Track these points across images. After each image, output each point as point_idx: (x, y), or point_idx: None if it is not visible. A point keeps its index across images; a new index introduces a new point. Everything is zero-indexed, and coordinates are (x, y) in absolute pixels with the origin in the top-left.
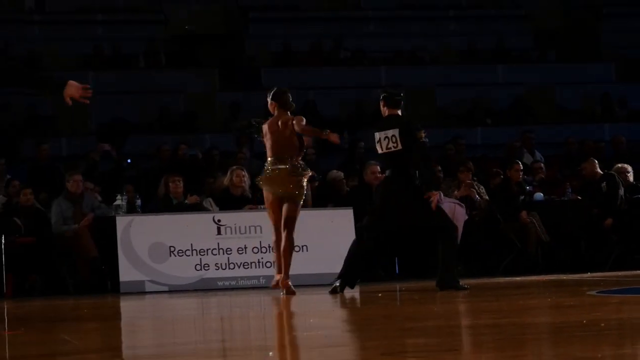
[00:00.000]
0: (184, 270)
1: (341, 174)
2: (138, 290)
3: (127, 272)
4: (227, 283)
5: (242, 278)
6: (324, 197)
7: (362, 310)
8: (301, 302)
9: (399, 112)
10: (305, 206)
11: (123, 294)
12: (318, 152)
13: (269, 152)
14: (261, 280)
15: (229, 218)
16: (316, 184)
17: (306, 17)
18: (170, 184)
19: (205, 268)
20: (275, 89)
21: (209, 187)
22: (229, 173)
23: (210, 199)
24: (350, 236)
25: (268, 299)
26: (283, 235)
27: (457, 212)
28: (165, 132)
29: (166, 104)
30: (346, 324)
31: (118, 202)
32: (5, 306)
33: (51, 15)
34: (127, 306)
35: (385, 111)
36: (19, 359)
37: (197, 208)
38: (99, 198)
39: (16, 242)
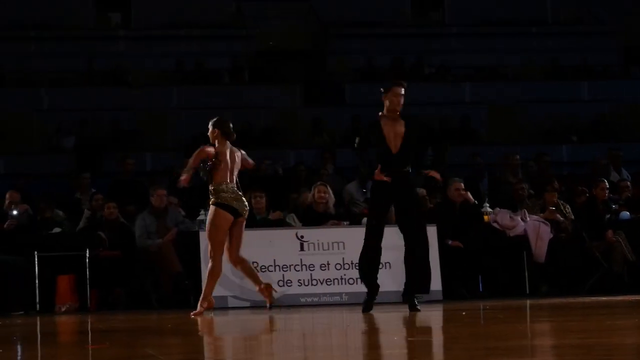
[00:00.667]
0: None
1: (424, 191)
2: (221, 306)
3: None
4: (309, 299)
5: (324, 294)
6: None
7: (445, 329)
8: (384, 319)
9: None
10: (388, 223)
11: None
12: None
13: (226, 177)
14: (344, 297)
15: (312, 234)
16: None
17: (389, 33)
18: (253, 199)
19: (288, 284)
20: (216, 117)
21: (292, 203)
22: (312, 189)
23: (294, 215)
24: (434, 253)
25: (351, 316)
26: (238, 256)
27: (541, 231)
28: (249, 148)
29: (250, 120)
30: (430, 343)
31: (202, 217)
32: (89, 320)
33: (136, 31)
34: (210, 321)
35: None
36: None
37: (281, 224)
38: (183, 213)
39: (100, 256)
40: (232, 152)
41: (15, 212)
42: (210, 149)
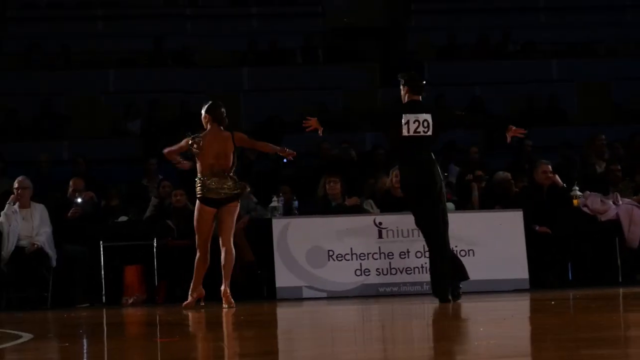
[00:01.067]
0: (343, 276)
1: (509, 175)
2: (295, 297)
3: (283, 278)
4: (388, 289)
5: (404, 284)
6: (491, 199)
7: (534, 319)
8: (467, 309)
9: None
10: (472, 208)
11: (280, 300)
12: (482, 152)
13: (203, 169)
14: (424, 286)
15: (390, 221)
16: (483, 184)
17: (472, 8)
18: (327, 185)
19: (366, 273)
20: (209, 102)
21: (369, 188)
22: (390, 173)
23: (371, 201)
24: (520, 239)
25: (432, 307)
26: (224, 247)
27: (635, 215)
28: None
29: (325, 101)
30: (518, 333)
31: (274, 203)
32: (157, 313)
33: (205, 9)
34: (284, 313)
35: (409, 96)
36: None
37: (358, 210)
38: (255, 199)
39: (169, 245)
40: (218, 139)
41: (79, 200)
42: (183, 143)
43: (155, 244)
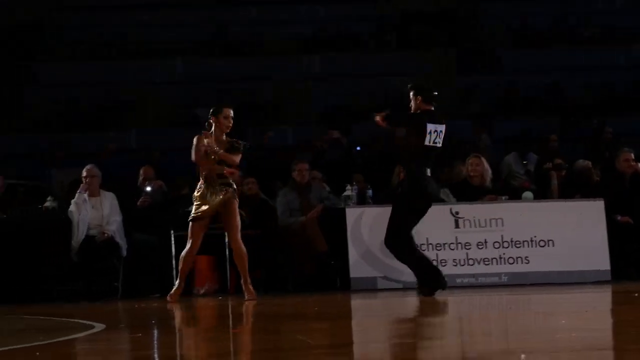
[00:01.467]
0: None
1: (589, 163)
2: (369, 287)
3: (357, 268)
4: (465, 280)
5: (481, 275)
6: (571, 188)
7: (616, 312)
8: (549, 301)
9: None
10: (551, 198)
11: (353, 291)
12: (562, 140)
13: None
14: (503, 277)
15: (467, 210)
16: (563, 173)
17: None
18: (401, 173)
19: (442, 264)
20: (215, 105)
21: (446, 177)
22: (466, 161)
23: (447, 190)
24: (601, 230)
25: (510, 298)
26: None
27: None
28: None
29: (397, 88)
30: (600, 326)
31: (348, 192)
32: (230, 303)
33: None
34: (358, 304)
35: (422, 106)
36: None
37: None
38: (328, 188)
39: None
40: (219, 143)
41: (149, 189)
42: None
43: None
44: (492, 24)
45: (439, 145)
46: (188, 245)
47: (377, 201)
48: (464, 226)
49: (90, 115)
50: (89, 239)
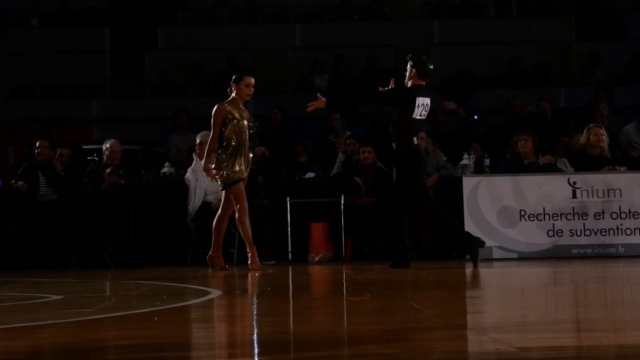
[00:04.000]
0: (535, 236)
1: None
2: (485, 257)
3: None
4: (582, 251)
5: (598, 246)
6: None
7: None
8: None
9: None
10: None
11: (469, 260)
12: None
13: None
14: (620, 249)
15: (585, 180)
16: None
17: None
18: (519, 142)
19: (559, 234)
20: (237, 73)
21: (564, 147)
22: (585, 131)
23: (565, 160)
24: None
25: (628, 270)
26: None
27: None
28: (516, 86)
29: (517, 56)
30: None
31: (465, 161)
32: (344, 270)
33: None
34: (473, 274)
35: (414, 80)
36: (372, 325)
37: (551, 169)
38: (444, 157)
39: (356, 203)
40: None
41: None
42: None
43: (342, 201)
44: None
45: (424, 117)
46: (240, 206)
47: (495, 170)
48: (582, 196)
49: (211, 80)
50: (205, 205)
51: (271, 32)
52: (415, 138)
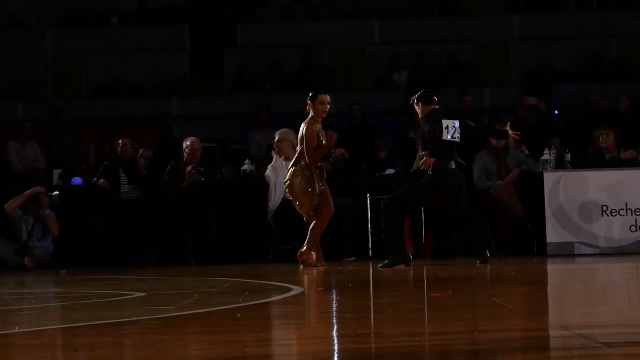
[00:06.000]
0: (618, 232)
1: None
2: (567, 253)
3: (555, 233)
4: None
5: None
6: None
7: None
8: None
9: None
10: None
11: (550, 256)
12: None
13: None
14: None
15: None
16: None
17: None
18: (601, 137)
19: None
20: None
21: None
22: None
23: None
24: None
25: None
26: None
27: None
28: (596, 81)
29: (597, 50)
30: None
31: (546, 156)
32: (426, 267)
33: None
34: (556, 270)
35: (425, 110)
36: (455, 321)
37: (634, 164)
38: (526, 152)
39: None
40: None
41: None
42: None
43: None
44: None
45: (458, 140)
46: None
47: (576, 166)
48: None
49: (290, 77)
50: (285, 202)
51: (350, 28)
52: (453, 162)
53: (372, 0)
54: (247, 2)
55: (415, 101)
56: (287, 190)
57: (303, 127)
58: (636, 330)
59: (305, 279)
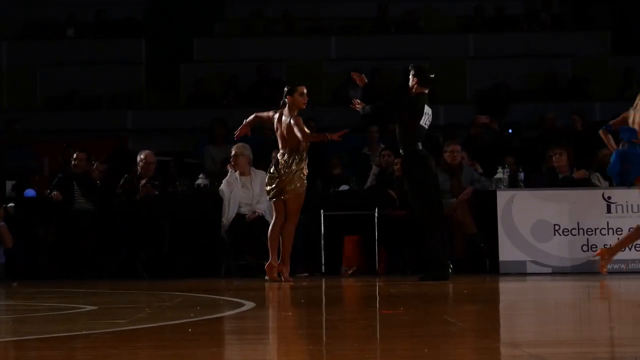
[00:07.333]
0: (569, 251)
1: None
2: (519, 271)
3: (507, 251)
4: (616, 266)
5: (632, 261)
6: None
7: None
8: None
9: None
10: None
11: (502, 274)
12: None
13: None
14: None
15: (620, 195)
16: None
17: None
18: (554, 156)
19: (593, 249)
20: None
21: (597, 161)
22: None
23: (598, 174)
24: None
25: None
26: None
27: None
28: (551, 100)
29: (552, 69)
30: None
31: (499, 175)
32: (378, 283)
33: None
34: (507, 288)
35: (417, 88)
36: (406, 338)
37: (585, 183)
38: (480, 170)
39: (390, 216)
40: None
41: None
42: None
43: (376, 214)
44: None
45: (428, 127)
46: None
47: (529, 184)
48: (617, 211)
49: (246, 91)
50: (239, 217)
51: (307, 44)
52: (420, 144)
53: (329, 17)
54: (204, 16)
55: (413, 72)
56: (285, 178)
57: (290, 119)
58: (586, 349)
59: (258, 294)
